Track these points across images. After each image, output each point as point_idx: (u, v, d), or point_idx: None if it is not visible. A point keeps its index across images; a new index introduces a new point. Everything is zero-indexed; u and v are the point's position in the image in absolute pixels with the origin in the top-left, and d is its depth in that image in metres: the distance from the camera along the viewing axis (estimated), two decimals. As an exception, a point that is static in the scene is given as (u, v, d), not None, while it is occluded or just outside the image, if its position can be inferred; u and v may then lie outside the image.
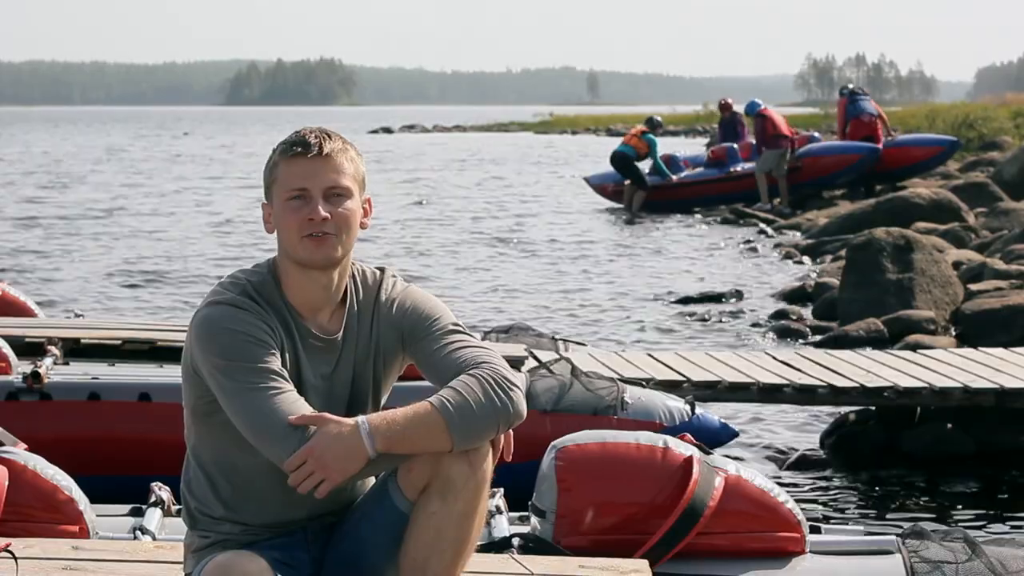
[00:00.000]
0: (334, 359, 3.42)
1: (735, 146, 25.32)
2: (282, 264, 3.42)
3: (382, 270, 3.52)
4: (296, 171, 3.35)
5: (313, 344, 3.40)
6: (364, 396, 3.45)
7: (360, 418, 3.23)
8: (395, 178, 34.64)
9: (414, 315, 3.44)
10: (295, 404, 3.26)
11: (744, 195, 23.90)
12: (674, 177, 24.79)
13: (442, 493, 3.28)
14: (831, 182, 23.69)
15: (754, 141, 24.44)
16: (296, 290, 3.40)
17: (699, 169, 25.15)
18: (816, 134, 27.93)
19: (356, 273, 3.48)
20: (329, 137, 3.39)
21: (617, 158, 24.91)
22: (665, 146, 27.13)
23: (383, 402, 3.51)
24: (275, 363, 3.30)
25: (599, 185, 26.45)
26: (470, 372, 3.30)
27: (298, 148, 3.36)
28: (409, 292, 3.49)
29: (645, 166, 25.03)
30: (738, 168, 24.38)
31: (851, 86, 24.65)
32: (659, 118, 26.46)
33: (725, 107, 27.39)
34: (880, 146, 23.16)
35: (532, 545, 4.17)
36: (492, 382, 3.28)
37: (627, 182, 24.97)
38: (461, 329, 3.43)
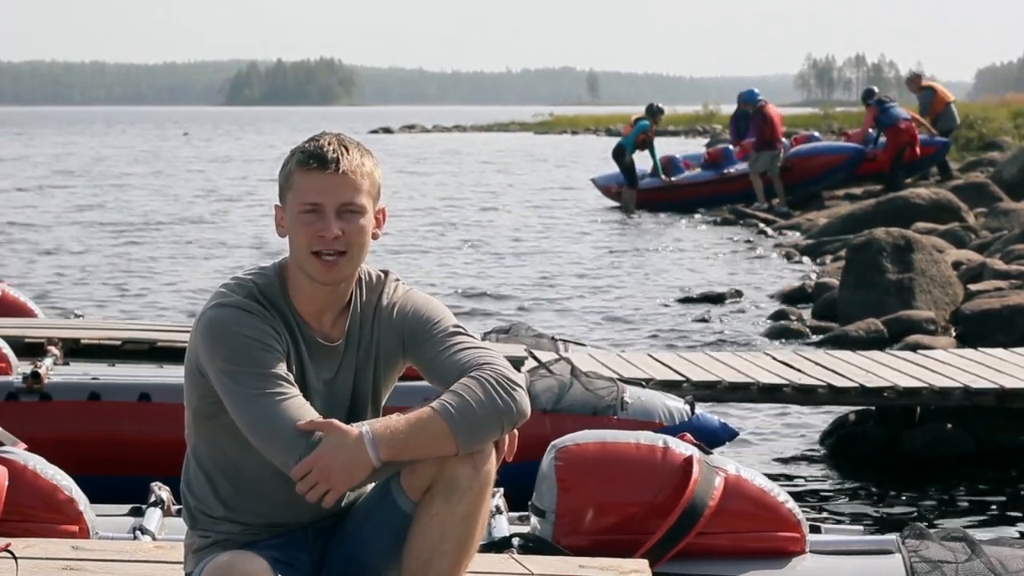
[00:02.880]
0: (336, 364, 3.42)
1: (731, 147, 25.29)
2: (291, 269, 3.40)
3: (385, 273, 3.51)
4: (311, 185, 3.32)
5: (316, 349, 3.40)
6: (364, 400, 3.45)
7: (364, 427, 3.22)
8: (394, 178, 34.63)
9: (415, 318, 3.43)
10: (301, 409, 3.25)
11: (739, 196, 23.83)
12: (670, 178, 24.76)
13: (446, 494, 3.27)
14: (820, 182, 23.70)
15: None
16: (302, 296, 3.39)
17: (697, 170, 25.13)
18: (816, 134, 27.86)
19: (362, 276, 3.47)
20: (347, 150, 3.34)
21: (616, 151, 24.88)
22: (665, 146, 27.04)
23: (383, 405, 3.51)
24: (281, 368, 3.29)
25: (605, 186, 26.47)
26: (472, 374, 3.29)
27: (314, 163, 3.32)
28: (410, 296, 3.48)
29: (643, 161, 24.96)
30: (732, 169, 24.35)
31: (877, 94, 23.93)
32: (660, 105, 26.01)
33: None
34: (918, 147, 22.88)
35: (532, 545, 4.17)
36: (494, 383, 3.28)
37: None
38: (462, 331, 3.42)
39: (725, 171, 24.37)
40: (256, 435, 3.26)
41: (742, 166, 24.13)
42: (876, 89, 24.69)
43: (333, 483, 3.18)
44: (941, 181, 22.38)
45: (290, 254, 3.39)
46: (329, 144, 3.34)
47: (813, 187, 23.70)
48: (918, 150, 22.98)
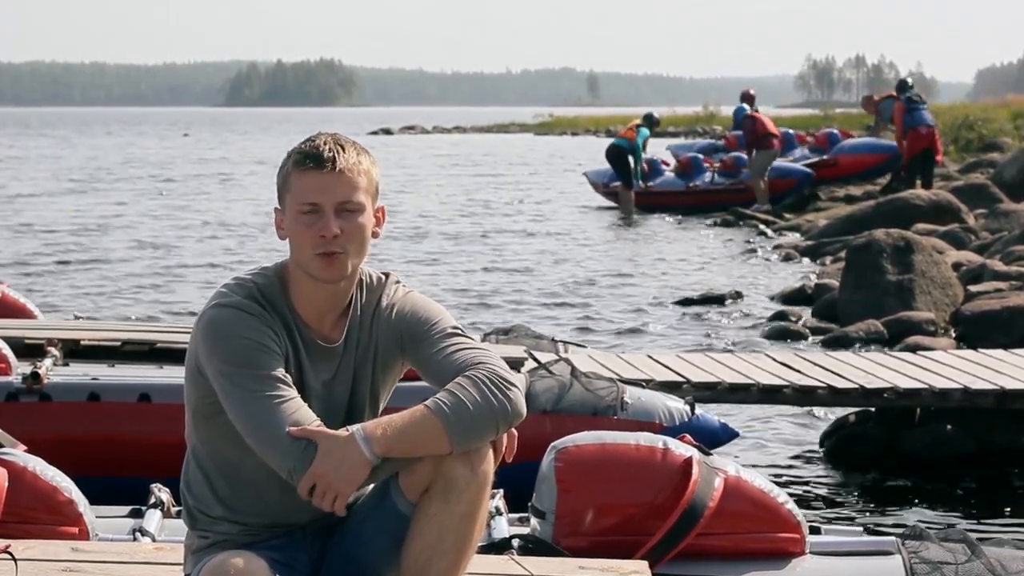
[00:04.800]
0: (335, 366, 3.42)
1: (700, 156, 25.44)
2: (292, 271, 3.41)
3: (387, 275, 3.51)
4: (309, 185, 3.32)
5: (315, 350, 3.40)
6: (363, 402, 3.45)
7: (355, 427, 3.23)
8: (395, 178, 34.64)
9: (413, 319, 3.43)
10: (298, 413, 3.26)
11: (705, 207, 23.98)
12: (646, 184, 24.79)
13: (443, 495, 3.28)
14: (783, 199, 23.79)
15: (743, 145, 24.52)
16: (303, 298, 3.39)
17: (670, 176, 25.14)
18: (791, 131, 27.97)
19: (363, 278, 3.47)
20: (343, 149, 3.34)
21: (610, 151, 24.85)
22: (664, 147, 26.99)
23: (382, 407, 3.51)
24: (279, 370, 3.29)
25: (595, 182, 26.60)
26: (466, 373, 3.29)
27: (310, 163, 3.33)
28: (409, 297, 3.48)
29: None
30: (698, 183, 24.52)
31: (910, 90, 23.16)
32: (657, 114, 26.18)
33: (746, 97, 27.02)
34: (939, 155, 22.85)
35: (532, 546, 4.17)
36: (488, 382, 3.28)
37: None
38: (460, 332, 3.42)
39: (690, 184, 24.54)
40: (252, 438, 3.27)
41: (707, 177, 24.34)
42: (911, 82, 24.34)
43: (337, 488, 3.19)
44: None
45: (290, 255, 3.40)
46: (325, 144, 3.35)
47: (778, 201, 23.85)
48: (939, 158, 22.95)
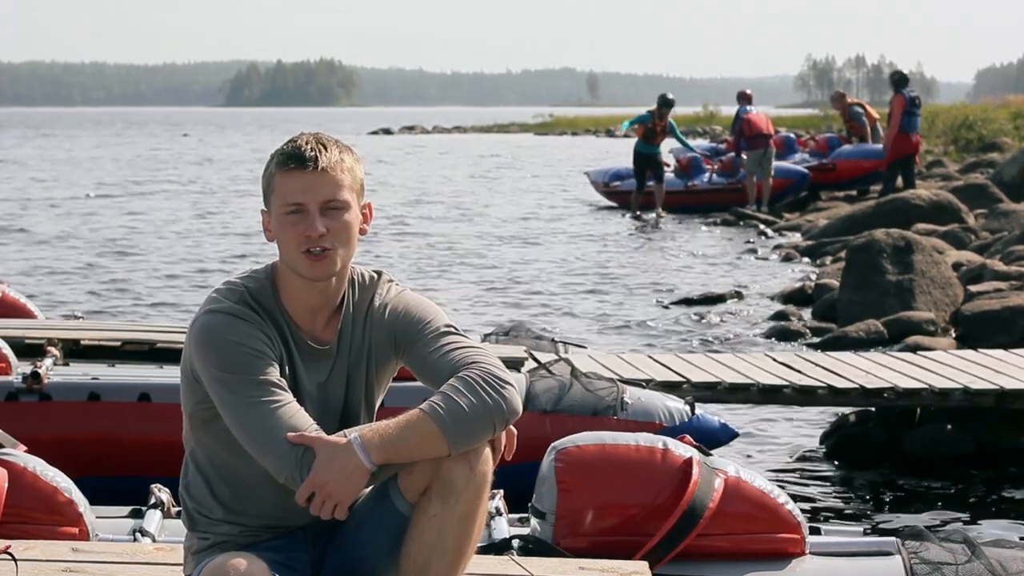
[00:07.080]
0: (328, 367, 3.42)
1: (699, 156, 25.41)
2: (282, 271, 3.40)
3: (379, 274, 3.51)
4: (292, 185, 3.33)
5: (308, 352, 3.39)
6: (358, 403, 3.45)
7: (353, 435, 3.23)
8: (395, 178, 34.65)
9: (406, 319, 3.43)
10: (294, 417, 3.26)
11: (703, 207, 23.97)
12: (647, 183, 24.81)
13: (443, 495, 3.27)
14: (777, 200, 23.80)
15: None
16: (294, 298, 3.39)
17: (670, 176, 25.08)
18: (791, 135, 27.91)
19: (355, 277, 3.47)
20: (325, 148, 3.35)
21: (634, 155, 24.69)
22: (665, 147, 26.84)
23: (377, 406, 3.51)
24: (274, 374, 3.29)
25: (594, 182, 26.67)
26: (460, 374, 3.29)
27: (293, 163, 3.33)
28: (403, 296, 3.48)
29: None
30: (696, 183, 24.53)
31: (908, 85, 22.57)
32: (671, 95, 24.40)
33: (742, 97, 26.72)
34: (918, 158, 22.84)
35: (532, 547, 4.17)
36: (482, 382, 3.27)
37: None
38: (454, 331, 3.41)
39: (689, 184, 24.54)
40: (249, 443, 3.27)
41: (706, 177, 24.32)
42: (907, 75, 23.89)
43: (336, 497, 3.19)
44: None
45: (279, 256, 3.40)
46: (307, 143, 3.35)
47: (775, 201, 23.85)
48: (918, 160, 22.97)
